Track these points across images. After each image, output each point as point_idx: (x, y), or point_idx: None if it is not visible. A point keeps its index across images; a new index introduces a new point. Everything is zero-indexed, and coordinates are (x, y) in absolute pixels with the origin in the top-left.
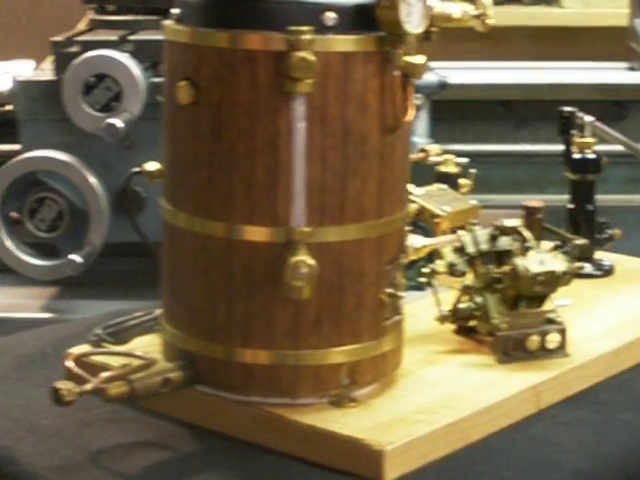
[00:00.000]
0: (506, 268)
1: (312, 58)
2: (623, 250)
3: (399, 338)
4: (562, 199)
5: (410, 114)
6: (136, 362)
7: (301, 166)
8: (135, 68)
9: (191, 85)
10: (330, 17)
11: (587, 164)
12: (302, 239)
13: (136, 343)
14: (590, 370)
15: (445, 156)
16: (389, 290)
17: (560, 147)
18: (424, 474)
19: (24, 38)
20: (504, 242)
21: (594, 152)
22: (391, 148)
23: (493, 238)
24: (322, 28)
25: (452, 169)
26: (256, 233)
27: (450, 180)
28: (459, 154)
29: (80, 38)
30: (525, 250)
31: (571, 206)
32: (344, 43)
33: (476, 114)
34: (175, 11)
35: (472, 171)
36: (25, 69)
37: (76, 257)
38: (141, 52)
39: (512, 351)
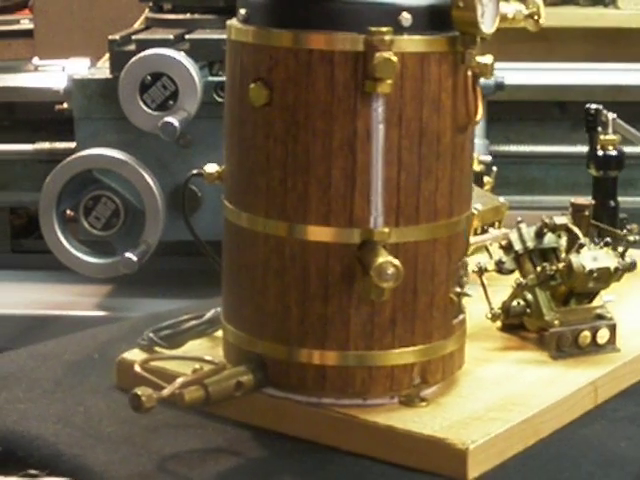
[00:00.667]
0: (560, 265)
1: (395, 59)
2: None
3: (463, 337)
4: (620, 201)
5: (480, 113)
6: (198, 366)
7: (378, 167)
8: (191, 67)
9: (264, 86)
10: (406, 18)
11: (609, 161)
12: (382, 240)
13: (188, 347)
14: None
15: None
16: (457, 289)
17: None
18: (507, 471)
19: (81, 36)
20: (550, 239)
21: (617, 149)
22: (461, 147)
23: (539, 235)
24: (398, 29)
25: (475, 167)
26: (332, 234)
27: (474, 178)
28: (515, 155)
29: (136, 37)
30: (579, 247)
31: (593, 202)
32: (419, 43)
33: (532, 115)
34: (242, 11)
35: (494, 169)
36: (80, 67)
37: (131, 255)
38: (197, 51)
39: (565, 347)
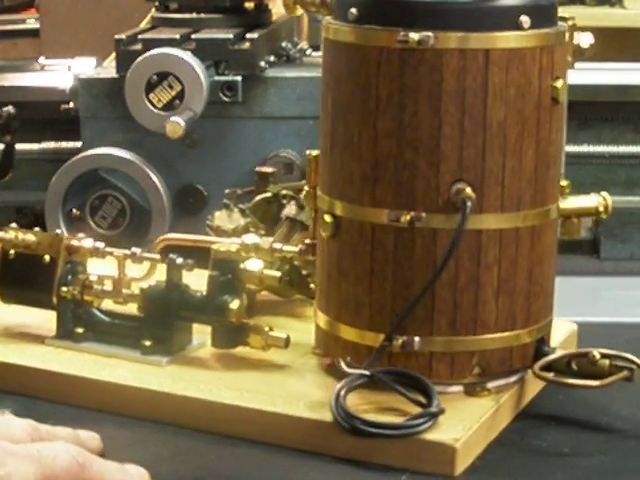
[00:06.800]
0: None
1: None
2: None
3: None
4: (626, 200)
5: None
6: None
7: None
8: (197, 66)
9: (564, 83)
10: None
11: None
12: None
13: None
14: None
15: None
16: None
17: (624, 148)
18: None
19: (87, 36)
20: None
21: None
22: None
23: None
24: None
25: None
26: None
27: None
28: None
29: (143, 36)
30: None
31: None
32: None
33: None
34: (523, 19)
35: None
36: (86, 66)
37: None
38: (203, 50)
39: None
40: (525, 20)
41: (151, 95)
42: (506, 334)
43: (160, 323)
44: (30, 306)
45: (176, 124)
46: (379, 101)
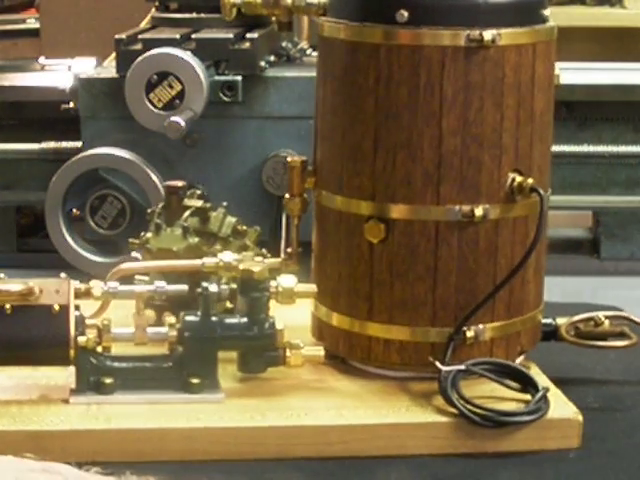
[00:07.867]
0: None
1: None
2: None
3: None
4: (625, 200)
5: None
6: None
7: None
8: (197, 66)
9: None
10: None
11: None
12: None
13: None
14: None
15: None
16: None
17: (624, 148)
18: None
19: (87, 36)
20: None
21: None
22: None
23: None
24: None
25: None
26: None
27: None
28: None
29: (143, 36)
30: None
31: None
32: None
33: None
34: (545, 12)
35: None
36: (87, 66)
37: (137, 255)
38: (203, 50)
39: None
40: (548, 14)
41: (151, 95)
42: (537, 311)
43: (204, 357)
44: (35, 366)
45: (176, 124)
46: (444, 100)
